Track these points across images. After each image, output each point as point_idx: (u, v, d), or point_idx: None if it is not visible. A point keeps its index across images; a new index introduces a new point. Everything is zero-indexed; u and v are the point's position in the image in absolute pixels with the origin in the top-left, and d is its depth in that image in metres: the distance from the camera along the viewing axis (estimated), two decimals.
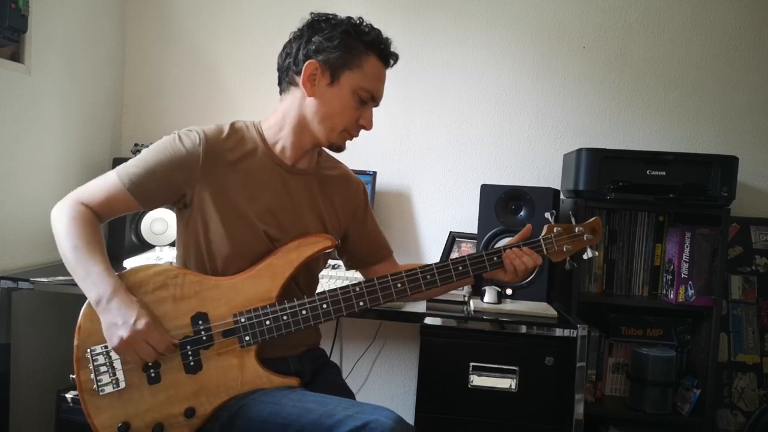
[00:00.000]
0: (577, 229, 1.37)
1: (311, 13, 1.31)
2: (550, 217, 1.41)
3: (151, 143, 2.17)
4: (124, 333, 1.16)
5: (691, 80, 2.26)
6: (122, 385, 1.21)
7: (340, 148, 1.35)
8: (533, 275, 1.42)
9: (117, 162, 2.22)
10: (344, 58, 1.25)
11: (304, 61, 1.26)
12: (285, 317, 1.26)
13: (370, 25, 1.30)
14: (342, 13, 1.32)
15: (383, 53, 1.29)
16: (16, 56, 1.81)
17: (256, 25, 2.36)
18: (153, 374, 1.21)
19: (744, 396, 2.13)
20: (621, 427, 2.06)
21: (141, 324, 1.16)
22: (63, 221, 1.24)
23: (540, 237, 1.36)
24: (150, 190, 1.26)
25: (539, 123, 2.31)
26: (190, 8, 2.39)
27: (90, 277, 1.20)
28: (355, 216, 1.47)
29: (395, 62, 1.33)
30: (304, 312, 1.27)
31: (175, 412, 1.21)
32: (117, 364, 1.21)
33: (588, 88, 2.29)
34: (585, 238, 1.37)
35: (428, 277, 1.31)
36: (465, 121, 2.33)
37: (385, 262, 1.53)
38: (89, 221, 1.25)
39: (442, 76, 2.32)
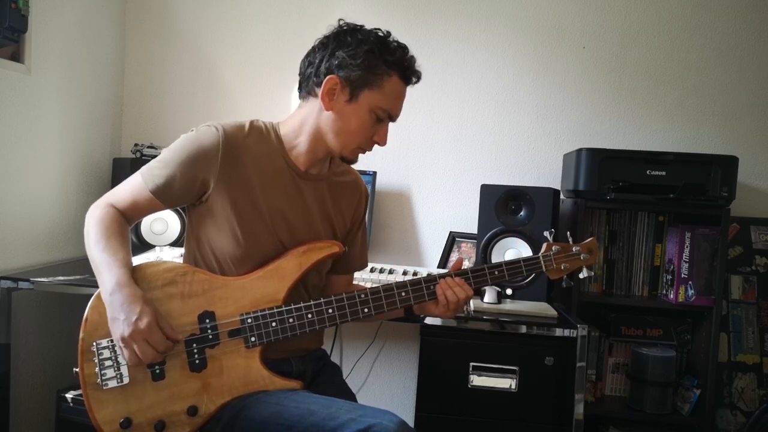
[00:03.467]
0: (574, 248, 1.39)
1: (339, 21, 1.31)
2: (548, 236, 1.42)
3: (151, 143, 2.21)
4: (125, 329, 1.14)
5: (690, 80, 2.26)
6: (126, 380, 1.20)
7: (351, 162, 1.37)
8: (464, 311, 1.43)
9: (117, 162, 2.25)
10: (365, 77, 1.25)
11: (325, 75, 1.26)
12: (291, 320, 1.26)
13: (397, 42, 1.29)
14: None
15: (406, 73, 1.29)
16: (16, 56, 1.81)
17: (256, 24, 2.36)
18: (158, 371, 1.21)
19: (744, 396, 2.13)
20: (621, 427, 2.06)
21: (143, 323, 1.14)
22: (91, 222, 1.26)
23: (539, 254, 1.38)
24: (173, 191, 1.27)
25: (539, 123, 2.31)
26: (190, 8, 2.38)
27: (101, 272, 1.20)
28: (353, 222, 1.48)
29: (418, 81, 1.33)
30: (309, 315, 1.27)
31: (178, 409, 1.21)
32: (122, 359, 1.20)
33: (588, 88, 2.29)
34: (582, 258, 1.39)
35: (403, 294, 1.33)
36: (465, 121, 2.33)
37: (347, 276, 1.53)
38: (115, 220, 1.26)
39: (442, 76, 2.32)
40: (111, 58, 2.33)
